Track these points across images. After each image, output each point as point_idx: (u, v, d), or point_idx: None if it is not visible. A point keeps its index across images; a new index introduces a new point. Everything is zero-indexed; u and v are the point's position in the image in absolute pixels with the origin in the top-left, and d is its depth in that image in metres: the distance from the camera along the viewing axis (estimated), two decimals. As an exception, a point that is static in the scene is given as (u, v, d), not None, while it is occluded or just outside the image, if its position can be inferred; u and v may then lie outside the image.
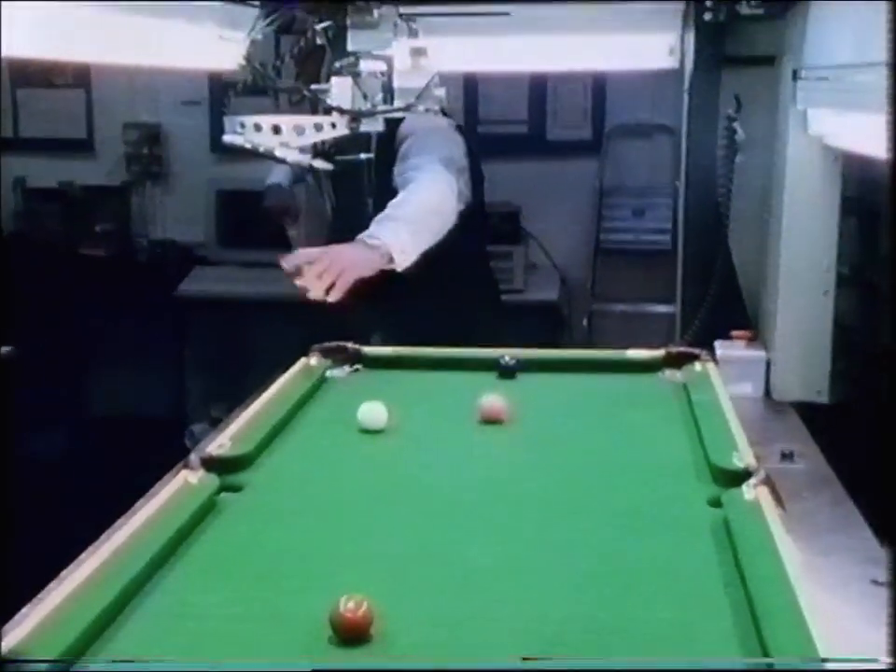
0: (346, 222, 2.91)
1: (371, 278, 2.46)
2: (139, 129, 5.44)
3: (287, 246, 3.13)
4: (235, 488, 1.86)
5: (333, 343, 2.60)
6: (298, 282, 2.35)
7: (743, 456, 1.88)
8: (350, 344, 2.61)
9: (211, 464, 1.88)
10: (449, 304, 3.02)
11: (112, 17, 1.87)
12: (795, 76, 2.52)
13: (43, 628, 1.30)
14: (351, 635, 1.36)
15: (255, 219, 4.86)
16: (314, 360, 2.53)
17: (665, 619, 1.43)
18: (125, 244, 5.45)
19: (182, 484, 1.79)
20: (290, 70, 2.68)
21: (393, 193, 2.75)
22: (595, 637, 1.38)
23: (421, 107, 2.53)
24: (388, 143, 2.87)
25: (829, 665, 0.92)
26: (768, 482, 1.77)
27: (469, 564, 1.60)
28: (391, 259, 2.50)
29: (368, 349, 2.62)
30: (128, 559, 1.51)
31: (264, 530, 1.73)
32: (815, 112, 2.48)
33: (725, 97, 2.86)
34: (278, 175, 3.39)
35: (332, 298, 2.33)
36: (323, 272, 2.33)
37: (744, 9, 2.57)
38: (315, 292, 2.32)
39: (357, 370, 2.58)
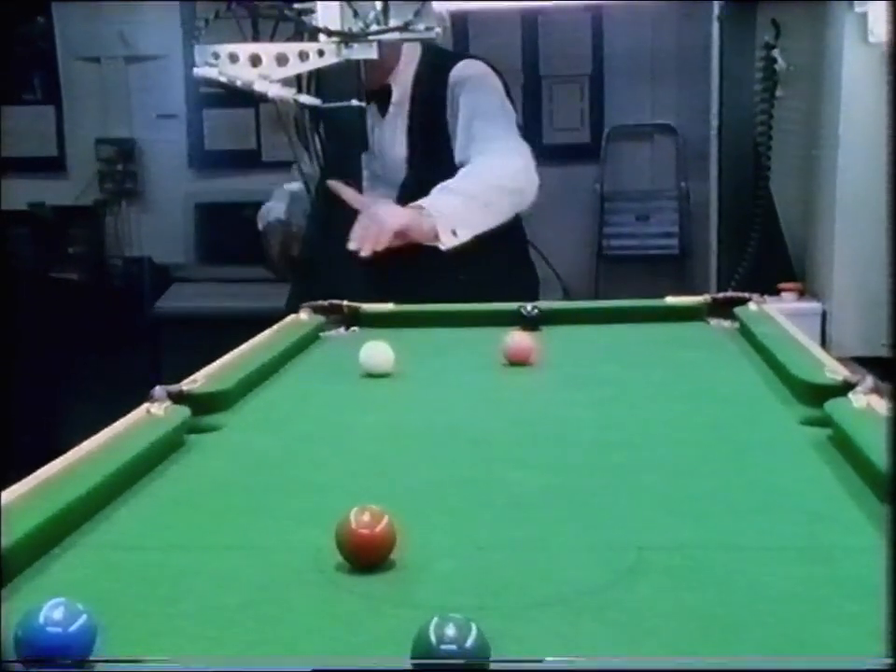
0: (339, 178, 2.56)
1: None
2: (113, 145, 5.14)
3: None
4: (209, 429, 1.48)
5: (326, 302, 2.23)
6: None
7: (837, 370, 1.52)
8: (346, 302, 2.24)
9: (180, 400, 1.50)
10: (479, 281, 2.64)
11: None
12: (851, -27, 2.19)
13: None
14: (365, 557, 0.99)
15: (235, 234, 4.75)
16: (304, 316, 2.16)
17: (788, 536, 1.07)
18: (99, 265, 5.12)
19: (142, 416, 1.41)
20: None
21: (439, 138, 2.52)
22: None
23: (421, 26, 2.23)
24: (434, 86, 2.57)
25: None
26: (879, 391, 1.41)
27: (516, 488, 1.23)
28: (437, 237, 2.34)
29: (367, 306, 2.25)
30: (58, 491, 1.13)
31: (247, 466, 1.35)
32: (878, 11, 2.14)
33: (762, 24, 2.52)
34: (277, 209, 2.93)
35: (363, 252, 2.25)
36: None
37: None
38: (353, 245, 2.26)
39: (354, 331, 2.21)
